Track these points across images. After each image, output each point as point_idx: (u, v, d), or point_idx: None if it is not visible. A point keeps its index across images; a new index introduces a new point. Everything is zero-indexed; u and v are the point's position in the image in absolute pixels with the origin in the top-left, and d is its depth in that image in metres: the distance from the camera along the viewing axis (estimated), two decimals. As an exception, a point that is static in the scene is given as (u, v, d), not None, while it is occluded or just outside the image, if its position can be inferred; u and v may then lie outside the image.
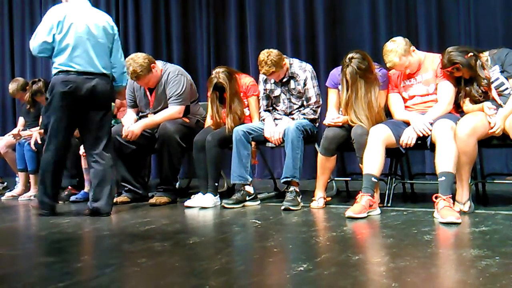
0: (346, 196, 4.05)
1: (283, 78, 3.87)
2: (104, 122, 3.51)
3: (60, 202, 4.21)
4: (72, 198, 4.32)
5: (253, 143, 3.88)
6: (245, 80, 4.06)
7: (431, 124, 3.14)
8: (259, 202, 3.80)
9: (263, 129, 3.83)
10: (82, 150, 4.21)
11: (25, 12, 7.71)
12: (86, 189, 4.34)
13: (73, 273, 1.97)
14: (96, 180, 3.45)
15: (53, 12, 3.43)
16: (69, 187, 4.46)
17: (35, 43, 3.39)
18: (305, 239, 2.52)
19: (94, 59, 3.43)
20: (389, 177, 3.55)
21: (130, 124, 4.03)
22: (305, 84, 3.85)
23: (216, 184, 3.81)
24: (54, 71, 3.43)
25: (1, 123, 7.71)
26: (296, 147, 3.57)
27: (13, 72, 7.68)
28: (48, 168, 3.42)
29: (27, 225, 3.40)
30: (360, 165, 3.29)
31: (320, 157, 3.50)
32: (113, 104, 4.00)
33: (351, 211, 2.99)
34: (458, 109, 3.33)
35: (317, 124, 3.97)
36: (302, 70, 3.86)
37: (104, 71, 3.49)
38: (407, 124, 3.27)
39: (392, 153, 3.40)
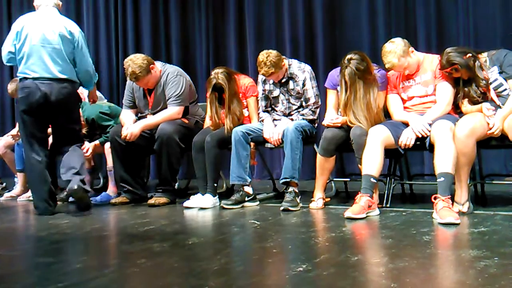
0: (345, 197, 4.06)
1: (282, 78, 3.88)
2: (67, 126, 3.70)
3: (59, 202, 4.23)
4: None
5: (252, 143, 3.88)
6: (244, 80, 4.06)
7: (430, 125, 3.14)
8: (258, 202, 3.80)
9: (262, 130, 3.83)
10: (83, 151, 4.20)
11: (23, 12, 7.68)
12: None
13: (72, 274, 1.98)
14: (63, 169, 3.60)
15: (16, 23, 3.67)
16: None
17: (2, 53, 3.66)
18: (304, 240, 2.52)
19: (50, 65, 3.56)
20: (388, 178, 3.55)
21: (129, 124, 4.03)
22: (304, 85, 3.85)
23: (215, 184, 3.80)
24: (18, 80, 3.69)
25: (0, 124, 7.70)
26: (295, 148, 3.57)
27: (12, 72, 7.67)
28: (29, 171, 3.63)
29: (26, 226, 3.39)
30: (359, 165, 3.29)
31: (319, 157, 3.50)
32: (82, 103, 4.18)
33: (350, 212, 2.99)
34: (457, 110, 3.33)
35: (316, 124, 3.97)
36: (301, 70, 3.86)
37: (62, 76, 3.59)
38: (406, 125, 3.27)
39: (391, 153, 3.40)
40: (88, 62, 3.77)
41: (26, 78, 3.56)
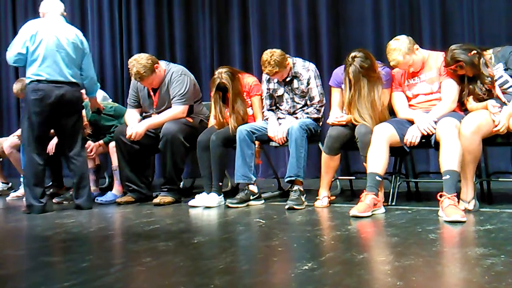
0: (351, 195, 4.05)
1: (287, 77, 3.87)
2: (77, 127, 3.85)
3: (64, 201, 4.25)
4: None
5: (256, 142, 3.88)
6: (248, 79, 4.06)
7: (435, 122, 3.13)
8: (263, 201, 3.80)
9: (266, 129, 3.83)
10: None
11: (28, 13, 7.71)
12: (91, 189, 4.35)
13: (78, 273, 1.98)
14: (76, 178, 3.81)
15: (27, 26, 3.75)
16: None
17: (10, 54, 3.71)
18: (309, 238, 2.52)
19: (64, 69, 3.72)
20: (394, 176, 3.54)
21: (134, 124, 4.03)
22: (308, 84, 3.85)
23: (220, 183, 3.81)
24: (27, 81, 3.75)
25: (6, 124, 7.73)
26: (300, 146, 3.57)
27: (17, 72, 7.69)
28: (29, 171, 3.70)
29: (32, 225, 3.40)
30: (364, 164, 3.28)
31: (324, 156, 3.50)
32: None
33: (355, 210, 2.99)
34: (462, 108, 3.32)
35: (321, 123, 3.96)
36: (305, 69, 3.86)
37: (73, 80, 3.79)
38: (411, 122, 3.26)
39: (396, 151, 3.40)
40: (93, 70, 4.01)
41: (39, 81, 3.65)
